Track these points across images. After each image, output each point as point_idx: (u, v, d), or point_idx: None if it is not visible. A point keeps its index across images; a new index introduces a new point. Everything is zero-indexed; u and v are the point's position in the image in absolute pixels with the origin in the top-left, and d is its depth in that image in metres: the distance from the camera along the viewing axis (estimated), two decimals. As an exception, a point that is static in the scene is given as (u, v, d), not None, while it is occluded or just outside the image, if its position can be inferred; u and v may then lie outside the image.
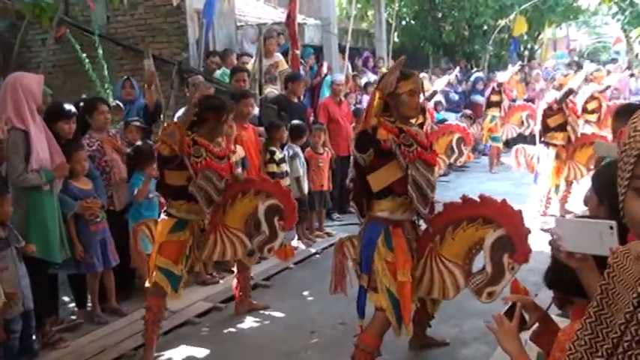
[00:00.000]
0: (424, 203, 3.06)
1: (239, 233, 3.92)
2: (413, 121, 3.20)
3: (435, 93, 8.27)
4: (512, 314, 1.74)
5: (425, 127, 3.39)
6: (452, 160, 7.46)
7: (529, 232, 2.94)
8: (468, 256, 3.13)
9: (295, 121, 6.26)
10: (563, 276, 1.65)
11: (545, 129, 6.58)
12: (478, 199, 3.08)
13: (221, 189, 3.70)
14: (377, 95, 2.94)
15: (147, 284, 3.74)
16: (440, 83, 8.93)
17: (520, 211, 2.97)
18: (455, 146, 7.30)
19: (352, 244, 3.34)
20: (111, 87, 6.51)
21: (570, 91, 6.45)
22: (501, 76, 10.40)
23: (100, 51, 6.80)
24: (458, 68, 11.91)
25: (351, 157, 3.13)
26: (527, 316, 1.79)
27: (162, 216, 3.80)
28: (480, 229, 3.06)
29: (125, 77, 5.71)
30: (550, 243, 1.57)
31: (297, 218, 3.92)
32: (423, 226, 3.31)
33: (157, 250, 3.68)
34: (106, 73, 6.62)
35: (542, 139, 6.65)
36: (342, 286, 3.42)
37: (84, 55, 7.16)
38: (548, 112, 6.53)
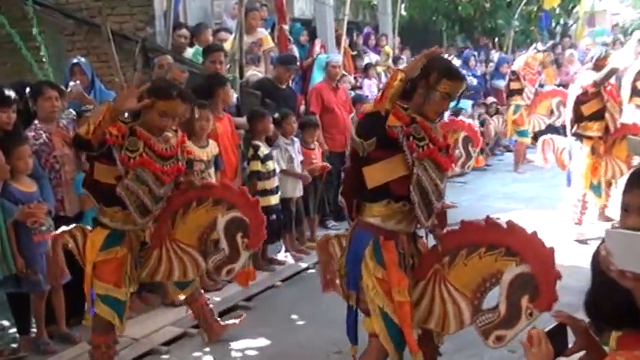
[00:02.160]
0: (427, 212, 3.05)
1: (191, 250, 3.83)
2: None
3: None
4: (555, 335, 1.72)
5: None
6: (458, 167, 7.44)
7: (559, 276, 2.87)
8: (479, 289, 3.08)
9: (308, 117, 6.24)
10: (609, 302, 1.65)
11: (578, 118, 6.47)
12: (505, 225, 3.03)
13: (159, 196, 3.59)
14: (398, 77, 2.91)
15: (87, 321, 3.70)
16: None
17: (552, 250, 2.91)
18: (461, 147, 7.29)
19: (339, 244, 3.33)
20: (51, 69, 6.45)
21: (613, 72, 6.28)
22: (516, 62, 10.44)
23: (35, 25, 6.72)
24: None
25: (349, 143, 3.13)
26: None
27: (91, 227, 3.71)
28: (500, 260, 3.00)
29: (73, 62, 5.64)
30: (594, 259, 1.56)
31: (265, 236, 3.82)
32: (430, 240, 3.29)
33: (91, 274, 3.60)
34: (43, 52, 6.55)
35: (575, 130, 6.55)
36: (334, 285, 3.41)
37: (31, 31, 7.10)
38: (582, 98, 6.42)
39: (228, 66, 6.70)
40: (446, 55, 9.39)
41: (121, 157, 3.43)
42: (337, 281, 3.37)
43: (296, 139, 6.31)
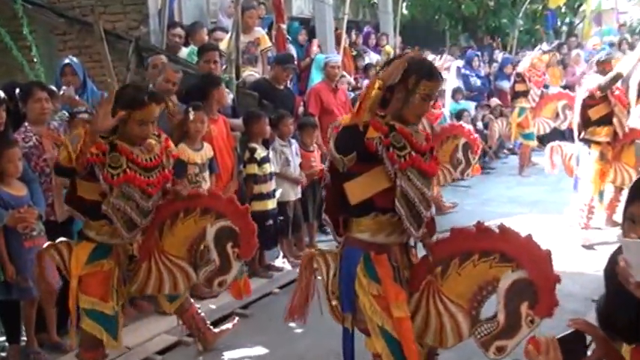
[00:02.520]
0: (417, 223, 2.99)
1: (181, 262, 3.81)
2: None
3: None
4: (569, 343, 1.69)
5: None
6: (458, 173, 7.43)
7: (557, 279, 2.85)
8: (476, 298, 3.04)
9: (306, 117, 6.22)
10: (624, 315, 1.64)
11: (586, 123, 6.49)
12: (497, 230, 2.99)
13: (147, 210, 3.58)
14: (376, 86, 2.87)
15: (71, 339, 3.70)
16: None
17: (549, 253, 2.88)
18: (461, 154, 7.28)
19: (325, 262, 3.23)
20: (42, 69, 6.46)
21: (618, 77, 6.33)
22: (521, 64, 10.45)
23: (25, 24, 6.73)
24: (444, 56, 11.64)
25: (328, 158, 3.06)
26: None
27: (76, 241, 3.69)
28: (495, 267, 2.96)
29: (65, 62, 5.63)
30: (608, 269, 1.55)
31: (257, 245, 3.78)
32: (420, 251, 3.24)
33: (76, 288, 3.58)
34: (34, 51, 6.57)
35: (582, 135, 6.57)
36: (300, 313, 3.32)
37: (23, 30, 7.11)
38: (589, 102, 6.45)
39: (224, 66, 6.71)
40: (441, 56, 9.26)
41: (104, 176, 3.42)
42: (330, 304, 3.25)
43: (293, 141, 6.31)
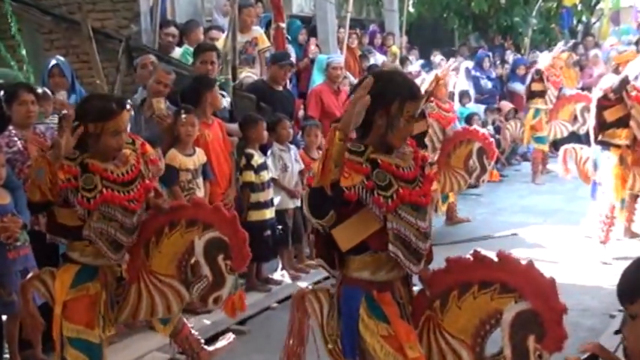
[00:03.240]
0: (415, 259, 2.91)
1: (171, 281, 3.72)
2: (415, 128, 3.09)
3: (426, 93, 7.84)
4: None
5: (431, 136, 3.23)
6: (472, 180, 7.43)
7: (564, 310, 2.79)
8: (479, 333, 2.98)
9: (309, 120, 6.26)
10: None
11: (602, 124, 6.44)
12: (495, 259, 2.94)
13: (131, 227, 3.52)
14: (336, 138, 2.58)
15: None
16: (426, 82, 7.76)
17: (552, 281, 2.83)
18: (475, 159, 7.28)
19: (317, 300, 3.15)
20: (31, 69, 6.48)
21: (625, 82, 6.26)
22: (541, 60, 10.45)
23: (13, 22, 6.76)
24: (455, 60, 11.57)
25: (304, 203, 2.86)
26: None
27: (60, 265, 3.63)
28: (497, 299, 2.91)
29: (53, 63, 5.63)
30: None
31: (249, 255, 3.67)
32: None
33: (60, 315, 3.51)
34: (23, 52, 6.59)
35: (599, 137, 6.52)
36: (299, 356, 3.24)
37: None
38: (604, 103, 6.40)
39: (220, 67, 6.73)
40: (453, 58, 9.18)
41: (79, 201, 3.36)
42: (326, 347, 3.15)
43: (292, 147, 6.31)
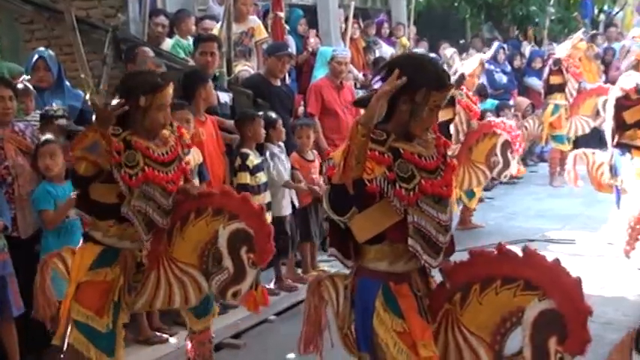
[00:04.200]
0: (434, 253, 2.97)
1: (192, 270, 3.85)
2: (441, 114, 3.15)
3: (462, 78, 7.96)
4: None
5: (456, 125, 3.31)
6: (495, 174, 7.45)
7: (589, 311, 2.83)
8: (499, 331, 3.03)
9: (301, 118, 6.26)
10: None
11: (621, 126, 6.47)
12: (521, 254, 2.99)
13: (167, 209, 3.69)
14: (359, 133, 2.68)
15: (57, 341, 3.69)
16: (470, 65, 8.40)
17: (579, 280, 2.87)
18: (499, 154, 7.28)
19: (334, 286, 3.23)
20: (4, 62, 6.47)
21: None
22: (559, 49, 10.41)
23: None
24: (495, 47, 11.71)
25: (324, 199, 2.95)
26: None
27: (81, 244, 3.76)
28: (520, 296, 2.96)
29: (37, 56, 5.62)
30: None
31: (274, 250, 3.81)
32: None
33: (72, 295, 3.62)
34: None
35: (618, 139, 6.53)
36: (316, 345, 3.33)
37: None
38: (624, 102, 6.41)
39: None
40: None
41: (122, 177, 3.52)
42: (341, 333, 3.25)
43: (281, 145, 6.28)
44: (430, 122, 3.00)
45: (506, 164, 7.38)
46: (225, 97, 6.26)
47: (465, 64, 8.13)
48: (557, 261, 2.93)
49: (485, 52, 10.28)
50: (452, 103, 6.68)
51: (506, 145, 7.35)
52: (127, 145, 3.56)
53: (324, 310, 3.30)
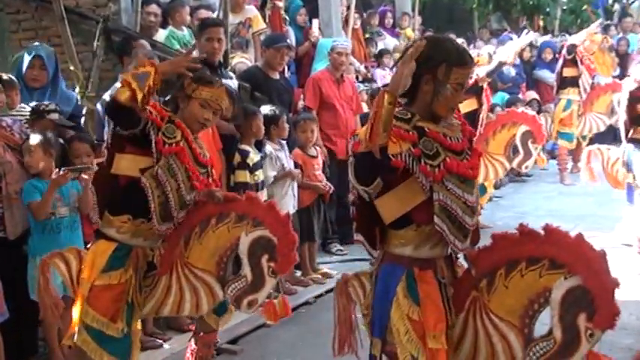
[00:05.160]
0: (462, 235, 3.05)
1: (207, 277, 3.82)
2: (463, 106, 3.21)
3: (500, 66, 7.73)
4: None
5: (481, 116, 3.38)
6: (515, 165, 7.47)
7: (617, 284, 2.88)
8: (527, 314, 3.08)
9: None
10: None
11: (634, 120, 6.45)
12: (542, 232, 3.05)
13: (184, 198, 3.70)
14: (386, 100, 2.77)
15: (67, 341, 3.70)
16: (508, 51, 7.86)
17: (603, 253, 2.92)
18: (520, 144, 7.29)
19: (361, 285, 3.32)
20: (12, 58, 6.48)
21: None
22: (573, 37, 10.37)
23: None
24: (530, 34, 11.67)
25: (350, 170, 3.04)
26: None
27: (92, 243, 3.77)
28: (546, 275, 3.01)
29: (34, 53, 5.54)
30: None
31: (296, 260, 3.79)
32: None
33: (83, 297, 3.62)
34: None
35: (631, 134, 6.50)
36: (350, 344, 3.39)
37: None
38: (638, 95, 6.39)
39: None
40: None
41: (157, 140, 3.57)
42: (357, 334, 3.36)
43: (284, 142, 6.31)
44: (454, 102, 3.08)
45: (528, 154, 7.39)
46: (231, 85, 6.22)
47: (499, 52, 8.00)
48: (580, 236, 2.98)
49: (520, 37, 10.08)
50: (476, 92, 6.68)
51: (527, 136, 7.36)
52: (169, 120, 3.65)
53: (354, 309, 3.36)
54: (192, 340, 4.17)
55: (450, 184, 2.99)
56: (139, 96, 3.39)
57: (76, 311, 3.67)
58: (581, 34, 10.24)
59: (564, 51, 10.24)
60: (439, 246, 3.13)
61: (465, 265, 3.26)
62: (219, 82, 3.82)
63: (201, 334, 4.12)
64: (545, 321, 3.00)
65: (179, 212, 3.70)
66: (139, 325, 3.97)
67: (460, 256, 3.27)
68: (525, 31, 9.40)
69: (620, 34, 13.97)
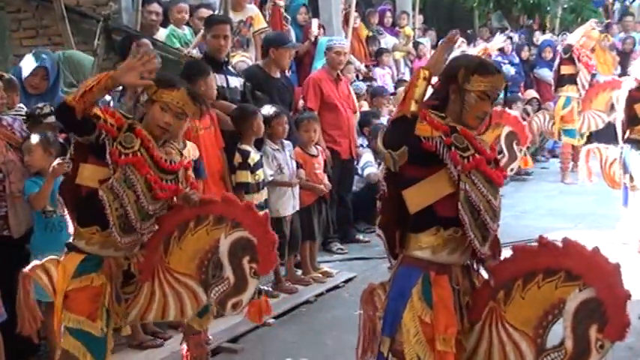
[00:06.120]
0: (481, 235, 3.14)
1: (189, 281, 3.81)
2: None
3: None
4: None
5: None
6: None
7: (628, 296, 2.96)
8: (541, 324, 3.16)
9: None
10: None
11: (632, 120, 6.41)
12: (560, 244, 3.14)
13: (145, 210, 3.60)
14: (421, 75, 3.05)
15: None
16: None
17: (617, 266, 3.01)
18: (504, 145, 7.27)
19: (385, 292, 3.38)
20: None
21: None
22: (571, 37, 10.39)
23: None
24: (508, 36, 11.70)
25: (381, 165, 3.22)
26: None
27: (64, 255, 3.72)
28: (561, 287, 3.10)
29: (39, 64, 5.51)
30: None
31: (278, 259, 3.83)
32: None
33: (61, 305, 3.60)
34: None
35: (628, 135, 6.47)
36: (373, 351, 3.43)
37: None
38: (636, 95, 6.35)
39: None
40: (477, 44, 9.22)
41: (112, 150, 3.48)
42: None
43: (287, 143, 6.29)
44: (481, 111, 3.21)
45: (513, 157, 7.37)
46: (235, 82, 6.22)
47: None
48: (596, 249, 3.06)
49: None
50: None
51: (511, 137, 7.34)
52: (130, 129, 3.54)
53: (379, 318, 3.39)
54: (184, 342, 4.17)
55: (477, 179, 3.10)
56: (79, 92, 3.35)
57: (56, 322, 3.64)
58: (577, 33, 10.21)
59: (560, 50, 10.26)
60: (457, 253, 3.21)
61: (485, 277, 3.35)
62: (182, 84, 3.67)
63: (190, 335, 4.12)
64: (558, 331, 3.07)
65: (141, 223, 3.61)
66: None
67: (479, 267, 3.36)
68: (506, 32, 9.39)
69: (622, 34, 13.94)
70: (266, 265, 3.77)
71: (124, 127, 3.52)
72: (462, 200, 3.08)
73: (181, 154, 3.83)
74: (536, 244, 3.21)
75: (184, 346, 4.19)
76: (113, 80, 3.43)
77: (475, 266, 3.34)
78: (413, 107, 3.04)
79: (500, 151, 7.33)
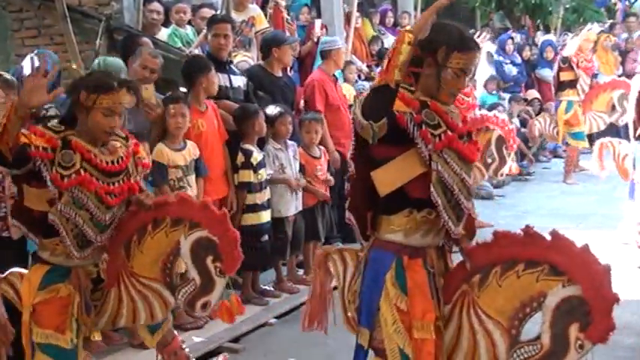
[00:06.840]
0: (455, 215, 3.03)
1: (154, 284, 3.76)
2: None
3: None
4: None
5: None
6: (491, 172, 7.42)
7: (616, 299, 2.87)
8: (517, 316, 3.07)
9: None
10: None
11: None
12: (548, 237, 3.03)
13: (102, 223, 3.55)
14: (405, 39, 2.90)
15: None
16: None
17: (608, 268, 2.92)
18: (494, 149, 7.26)
19: (343, 261, 3.30)
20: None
21: None
22: (568, 46, 10.39)
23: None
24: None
25: (357, 106, 3.06)
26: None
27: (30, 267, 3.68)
28: (543, 280, 3.00)
29: (38, 65, 5.50)
30: None
31: (241, 257, 3.68)
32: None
33: (28, 320, 3.55)
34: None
35: (639, 132, 6.48)
36: (320, 321, 3.40)
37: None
38: None
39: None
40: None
41: (52, 176, 3.37)
42: (345, 315, 3.34)
43: (291, 143, 6.28)
44: (456, 87, 3.08)
45: (502, 161, 7.34)
46: (238, 82, 6.22)
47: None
48: (586, 247, 2.97)
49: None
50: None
51: (501, 141, 7.30)
52: (65, 144, 3.42)
53: (330, 286, 3.36)
54: (159, 356, 4.11)
55: (449, 158, 2.98)
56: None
57: (24, 337, 3.58)
58: (573, 44, 10.18)
59: (559, 59, 10.26)
60: (430, 235, 3.12)
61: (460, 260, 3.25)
62: (118, 82, 3.52)
63: (162, 348, 4.06)
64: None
65: (100, 236, 3.56)
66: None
67: (456, 249, 3.26)
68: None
69: (625, 34, 13.92)
70: (230, 263, 3.66)
71: (59, 146, 3.40)
72: (434, 181, 2.96)
73: (127, 139, 3.70)
74: (521, 232, 3.09)
75: (160, 358, 4.11)
76: (21, 109, 3.19)
77: (448, 247, 3.23)
78: (397, 76, 2.91)
79: (491, 155, 7.30)
